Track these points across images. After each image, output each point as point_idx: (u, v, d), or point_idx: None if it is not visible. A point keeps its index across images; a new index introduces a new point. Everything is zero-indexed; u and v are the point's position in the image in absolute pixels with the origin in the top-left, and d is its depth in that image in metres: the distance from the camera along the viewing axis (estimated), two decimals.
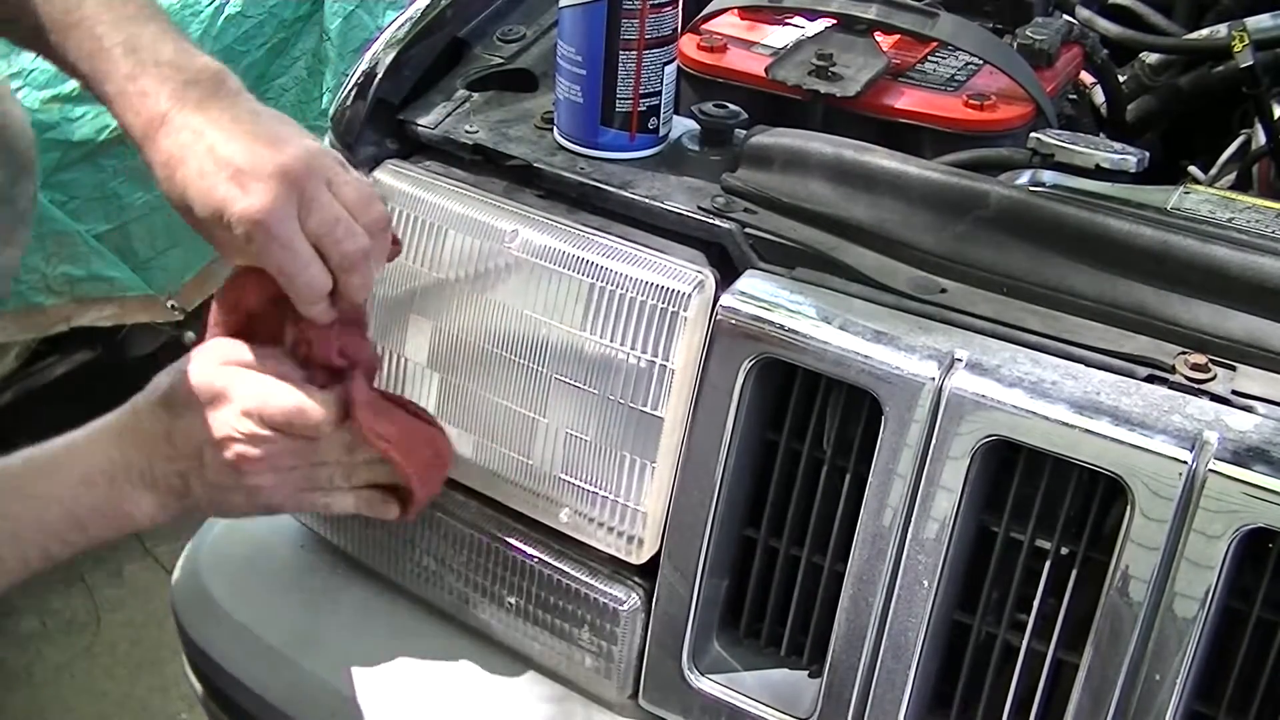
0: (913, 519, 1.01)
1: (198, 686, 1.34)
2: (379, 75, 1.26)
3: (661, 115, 1.19)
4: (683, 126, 1.23)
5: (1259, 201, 1.15)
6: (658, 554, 1.13)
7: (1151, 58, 1.56)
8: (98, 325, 2.28)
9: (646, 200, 1.14)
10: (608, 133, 1.18)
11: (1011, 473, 1.00)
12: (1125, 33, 1.50)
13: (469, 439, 1.20)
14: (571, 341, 1.13)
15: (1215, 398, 0.95)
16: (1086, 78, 1.49)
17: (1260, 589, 0.95)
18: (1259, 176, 1.44)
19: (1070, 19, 1.40)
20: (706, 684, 1.13)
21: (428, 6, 1.31)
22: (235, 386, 1.10)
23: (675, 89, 1.21)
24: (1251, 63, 1.39)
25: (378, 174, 1.23)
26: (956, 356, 1.00)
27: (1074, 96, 1.44)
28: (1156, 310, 1.01)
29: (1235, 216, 1.11)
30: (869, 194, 1.09)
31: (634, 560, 1.14)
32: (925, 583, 1.01)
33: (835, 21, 1.29)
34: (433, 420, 1.19)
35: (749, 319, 1.06)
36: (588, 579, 1.17)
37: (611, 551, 1.15)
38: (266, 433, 1.10)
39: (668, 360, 1.09)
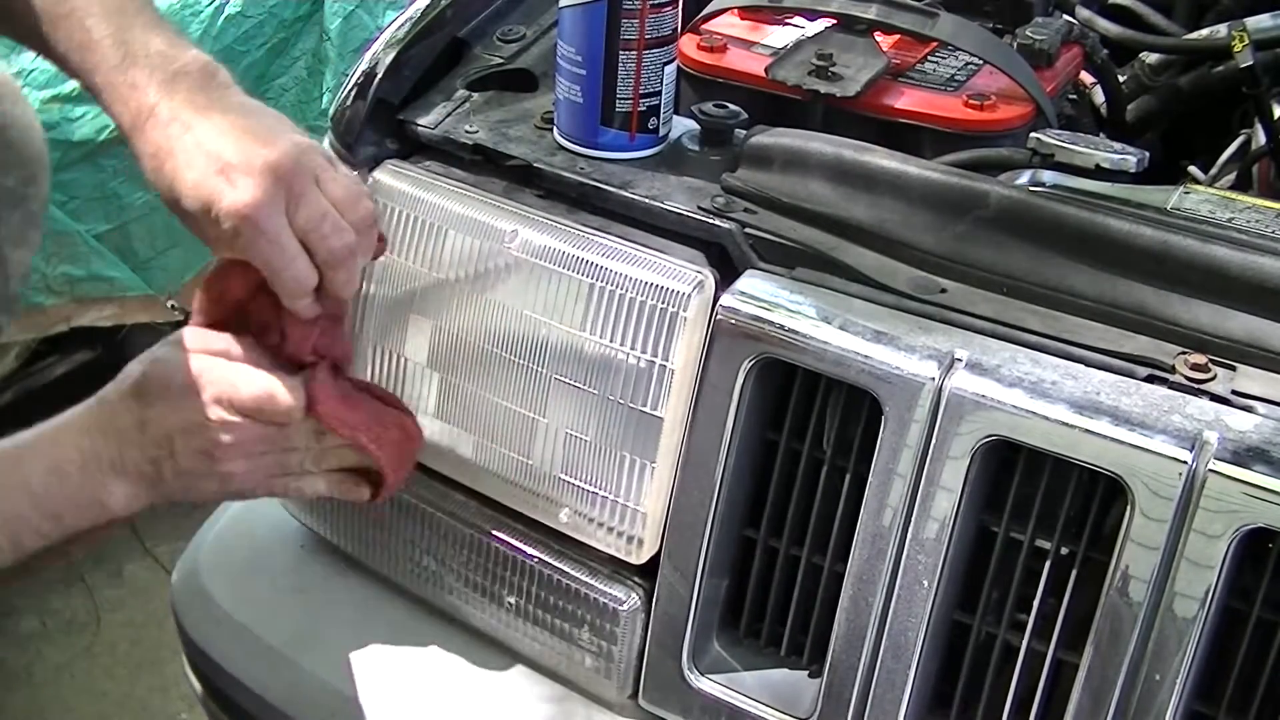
0: (913, 519, 1.01)
1: (198, 686, 1.34)
2: (379, 75, 1.26)
3: (661, 115, 1.19)
4: (683, 126, 1.23)
5: (1259, 201, 1.14)
6: (658, 554, 1.13)
7: (1151, 58, 1.55)
8: (98, 325, 2.28)
9: (646, 200, 1.14)
10: (608, 133, 1.18)
11: (1011, 473, 1.00)
12: (1125, 33, 1.50)
13: (469, 439, 1.20)
14: (571, 341, 1.13)
15: (1215, 398, 0.95)
16: (1086, 78, 1.48)
17: (1260, 589, 0.94)
18: (1259, 176, 1.44)
19: (1070, 19, 1.40)
20: (706, 684, 1.13)
21: (428, 6, 1.31)
22: (205, 374, 1.10)
23: (675, 89, 1.21)
24: (1251, 63, 1.39)
25: (378, 174, 1.23)
26: (956, 356, 1.00)
27: (1074, 96, 1.44)
28: (1156, 310, 1.01)
29: (1235, 216, 1.11)
30: (869, 194, 1.09)
31: (634, 560, 1.14)
32: (925, 583, 1.01)
33: (835, 21, 1.29)
34: (400, 403, 1.20)
35: (749, 319, 1.06)
36: (588, 579, 1.17)
37: (611, 551, 1.15)
38: (237, 419, 1.10)
39: (667, 360, 1.09)
